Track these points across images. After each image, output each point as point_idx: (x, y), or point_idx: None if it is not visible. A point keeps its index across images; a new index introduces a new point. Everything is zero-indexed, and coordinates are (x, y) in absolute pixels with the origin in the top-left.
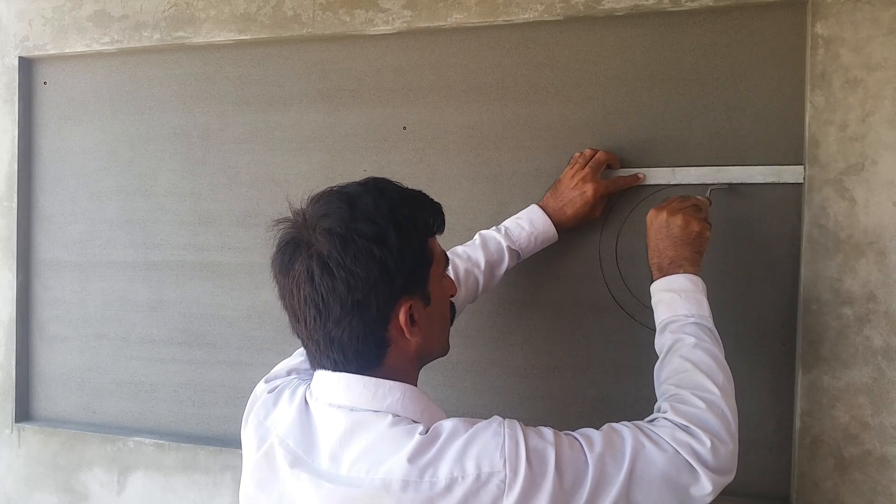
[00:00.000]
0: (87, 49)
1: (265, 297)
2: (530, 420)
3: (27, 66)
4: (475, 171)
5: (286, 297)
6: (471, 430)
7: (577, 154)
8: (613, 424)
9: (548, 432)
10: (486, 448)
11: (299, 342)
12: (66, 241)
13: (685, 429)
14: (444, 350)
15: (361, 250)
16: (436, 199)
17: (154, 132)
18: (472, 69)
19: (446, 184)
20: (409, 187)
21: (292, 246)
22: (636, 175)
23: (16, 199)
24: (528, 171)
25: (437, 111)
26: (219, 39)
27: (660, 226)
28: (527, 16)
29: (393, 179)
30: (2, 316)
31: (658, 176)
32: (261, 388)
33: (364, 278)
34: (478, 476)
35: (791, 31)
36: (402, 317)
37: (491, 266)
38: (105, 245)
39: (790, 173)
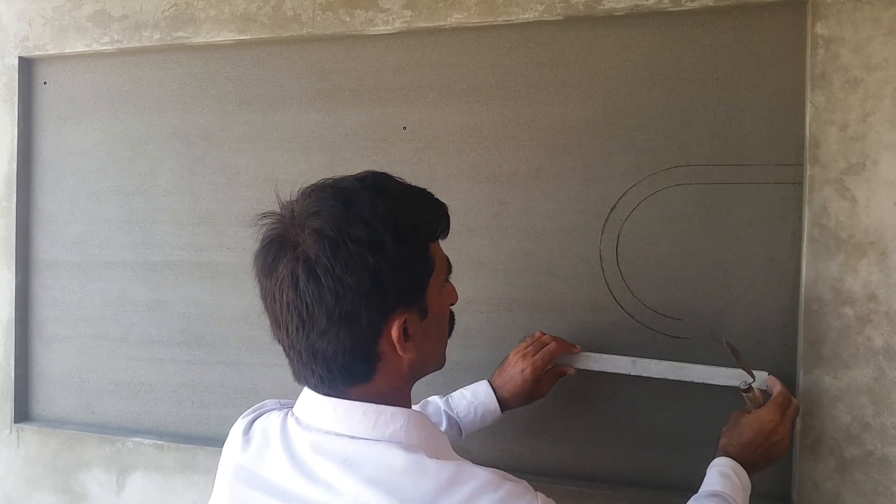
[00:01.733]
0: (87, 49)
1: None
2: (530, 419)
3: (27, 66)
4: (475, 171)
5: (268, 299)
6: (502, 491)
7: (529, 336)
8: None
9: None
10: None
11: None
12: (65, 241)
13: None
14: (440, 364)
15: (353, 257)
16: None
17: (154, 132)
18: (472, 69)
19: (446, 184)
20: (413, 184)
21: (277, 244)
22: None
23: (15, 199)
24: (528, 171)
25: (437, 111)
26: (219, 39)
27: (769, 434)
28: (527, 16)
29: (395, 175)
30: (1, 316)
31: (619, 365)
32: (237, 424)
33: (355, 288)
34: None
35: (791, 31)
36: (394, 332)
37: None
38: (104, 245)
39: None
